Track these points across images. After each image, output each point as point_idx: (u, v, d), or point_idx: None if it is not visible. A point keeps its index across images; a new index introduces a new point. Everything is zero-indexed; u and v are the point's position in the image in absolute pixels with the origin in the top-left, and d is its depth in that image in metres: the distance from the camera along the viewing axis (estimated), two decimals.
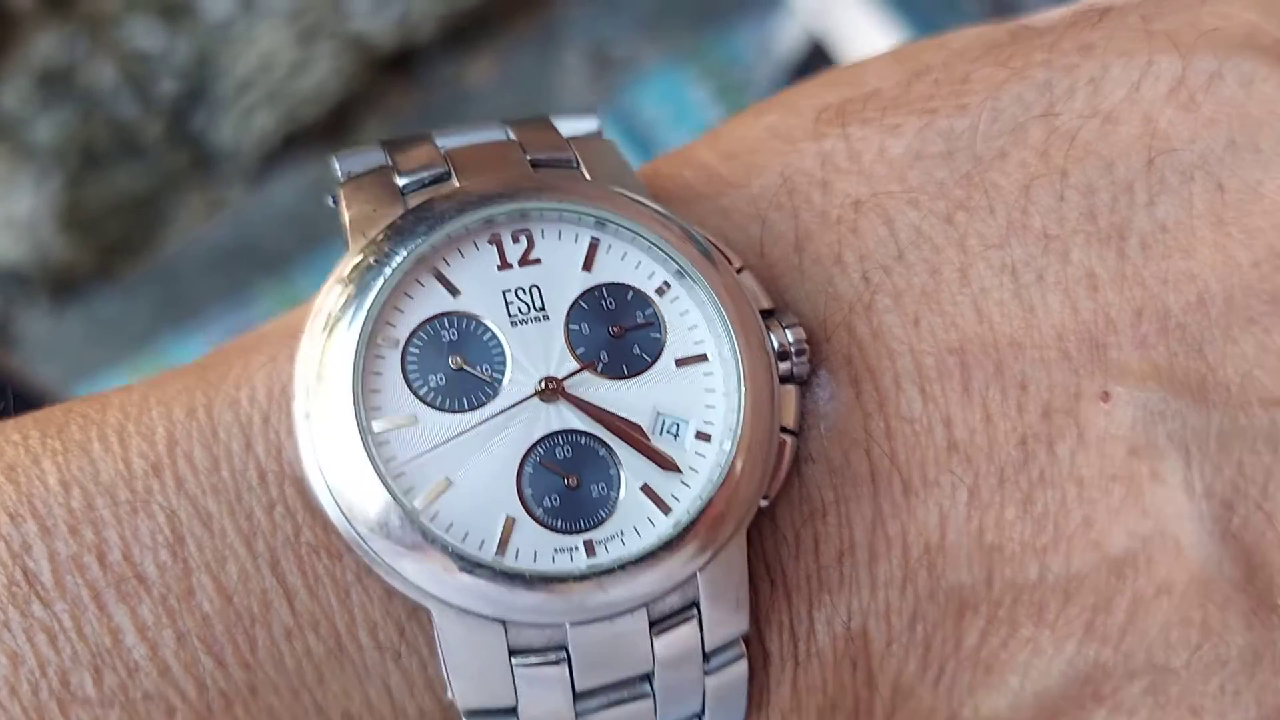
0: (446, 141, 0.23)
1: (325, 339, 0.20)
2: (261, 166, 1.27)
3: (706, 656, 0.21)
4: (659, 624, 0.21)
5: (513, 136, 0.23)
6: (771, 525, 0.22)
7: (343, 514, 0.20)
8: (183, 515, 0.20)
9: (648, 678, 0.21)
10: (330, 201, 0.22)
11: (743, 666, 0.22)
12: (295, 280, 1.17)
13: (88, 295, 1.25)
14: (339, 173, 0.22)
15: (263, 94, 1.25)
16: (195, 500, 0.20)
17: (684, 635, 0.21)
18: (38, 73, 1.15)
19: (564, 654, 0.20)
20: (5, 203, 1.22)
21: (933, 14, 1.13)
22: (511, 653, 0.20)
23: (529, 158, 0.23)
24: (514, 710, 0.20)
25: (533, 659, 0.20)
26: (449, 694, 0.20)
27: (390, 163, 0.22)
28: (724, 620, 0.21)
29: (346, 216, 0.22)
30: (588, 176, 0.23)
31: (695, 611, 0.21)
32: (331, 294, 0.21)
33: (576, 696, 0.21)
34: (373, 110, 1.24)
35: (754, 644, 0.22)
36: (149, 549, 0.20)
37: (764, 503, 0.22)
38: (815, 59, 1.15)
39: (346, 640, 0.20)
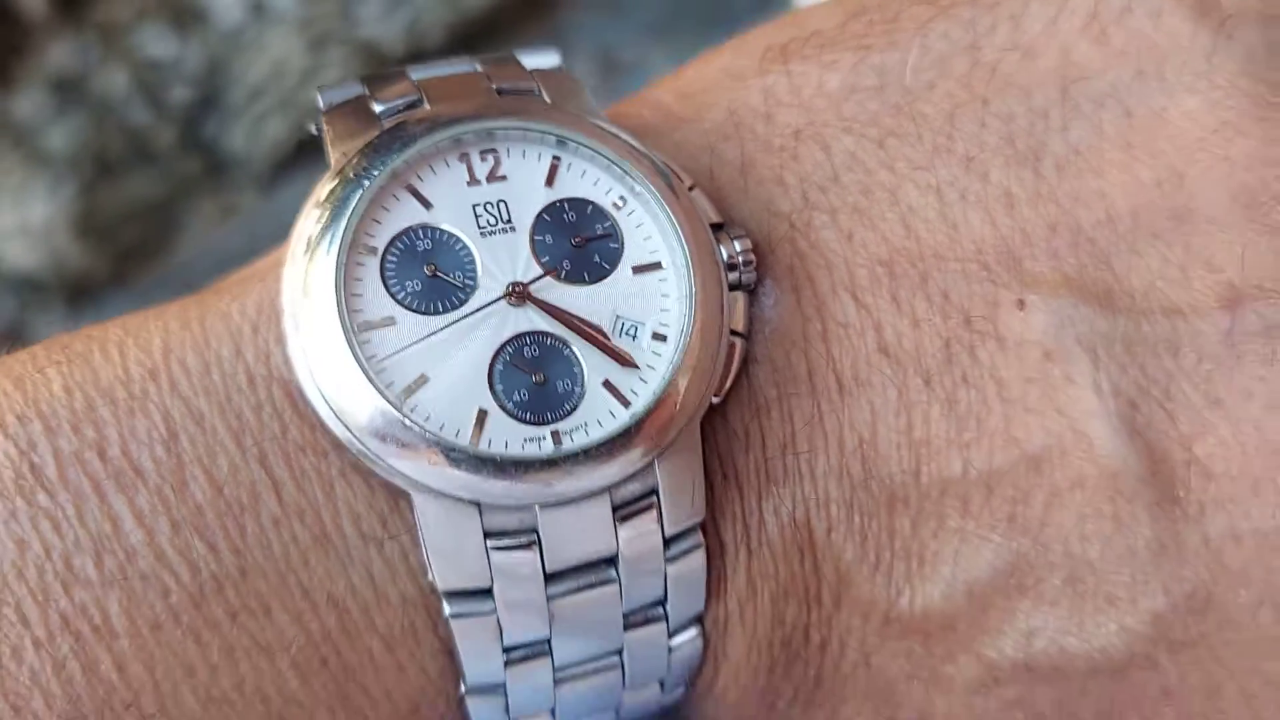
0: (420, 74, 0.25)
1: (308, 260, 0.22)
2: (274, 173, 1.29)
3: (666, 544, 0.23)
4: (621, 510, 0.22)
5: (480, 69, 0.25)
6: (723, 422, 0.24)
7: (330, 409, 0.21)
8: (176, 414, 0.22)
9: (613, 564, 0.22)
10: (313, 129, 0.24)
11: (700, 555, 0.23)
12: None
13: (102, 301, 1.27)
14: (321, 103, 0.24)
15: (274, 101, 1.27)
16: (188, 401, 0.22)
17: (645, 522, 0.22)
18: (51, 81, 1.18)
19: (535, 537, 0.22)
20: (20, 210, 1.25)
21: None
22: (486, 535, 0.22)
23: (495, 86, 0.24)
24: (489, 591, 0.22)
25: (506, 541, 0.22)
26: (429, 575, 0.22)
27: (368, 92, 0.24)
28: (681, 508, 0.23)
29: (329, 142, 0.23)
30: (549, 102, 0.24)
31: (655, 500, 0.22)
32: (310, 217, 0.23)
33: (547, 579, 0.22)
34: None
35: (710, 535, 0.23)
36: (145, 445, 0.21)
37: (715, 400, 0.23)
38: None
39: (331, 529, 0.22)
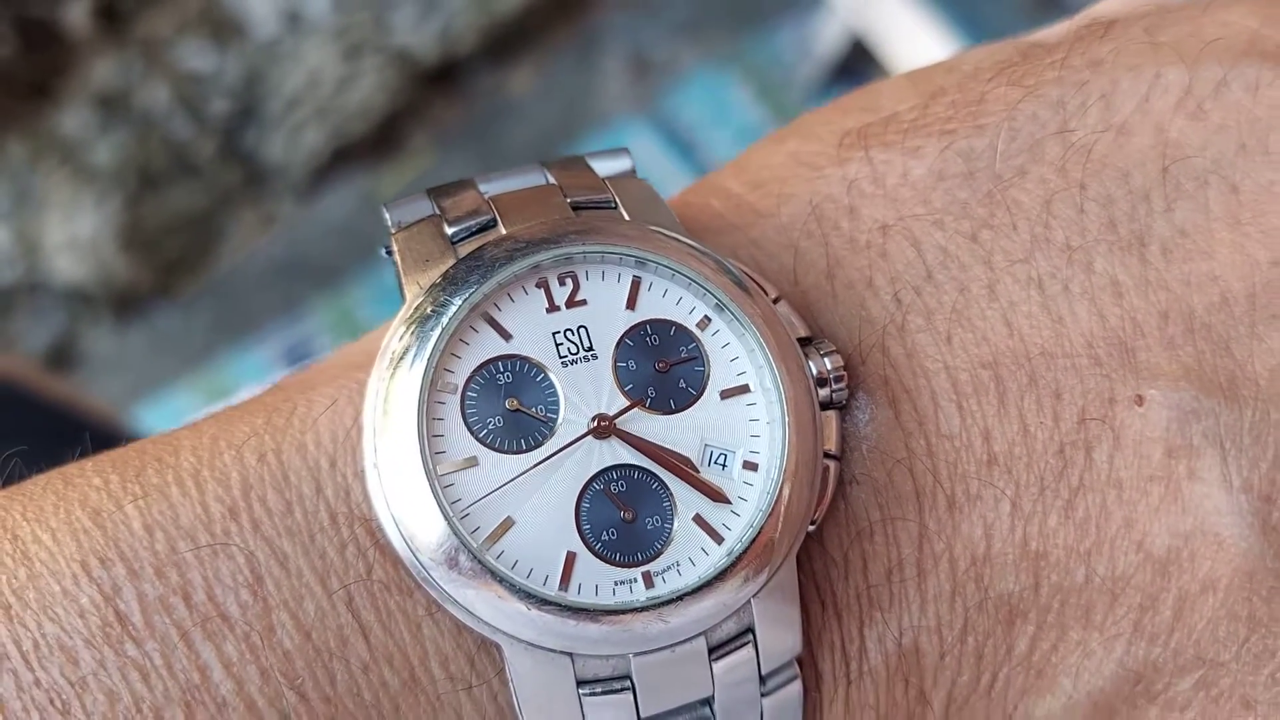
0: (490, 187, 0.24)
1: (390, 379, 0.21)
2: (312, 181, 1.30)
3: (763, 679, 0.22)
4: (717, 650, 0.22)
5: (552, 180, 0.24)
6: (820, 548, 0.23)
7: (413, 554, 0.21)
8: (260, 556, 0.21)
9: (708, 701, 0.22)
10: (384, 252, 0.23)
11: (797, 687, 0.22)
12: (348, 293, 1.20)
13: (149, 312, 1.29)
14: (390, 223, 0.23)
15: (311, 110, 1.27)
16: (271, 542, 0.21)
17: (741, 659, 0.22)
18: (95, 97, 1.19)
19: (628, 683, 0.21)
20: (69, 224, 1.26)
21: (975, 6, 1.12)
22: (579, 683, 0.21)
23: (569, 200, 0.23)
24: None
25: (599, 689, 0.21)
26: None
27: (438, 211, 0.23)
28: (778, 643, 0.22)
29: (400, 265, 0.23)
30: (626, 216, 0.24)
31: (751, 636, 0.22)
32: (396, 335, 0.22)
33: None
34: (418, 122, 1.26)
35: (807, 664, 0.23)
36: (230, 589, 0.21)
37: (811, 527, 0.22)
38: (857, 57, 1.15)
39: (420, 673, 0.21)
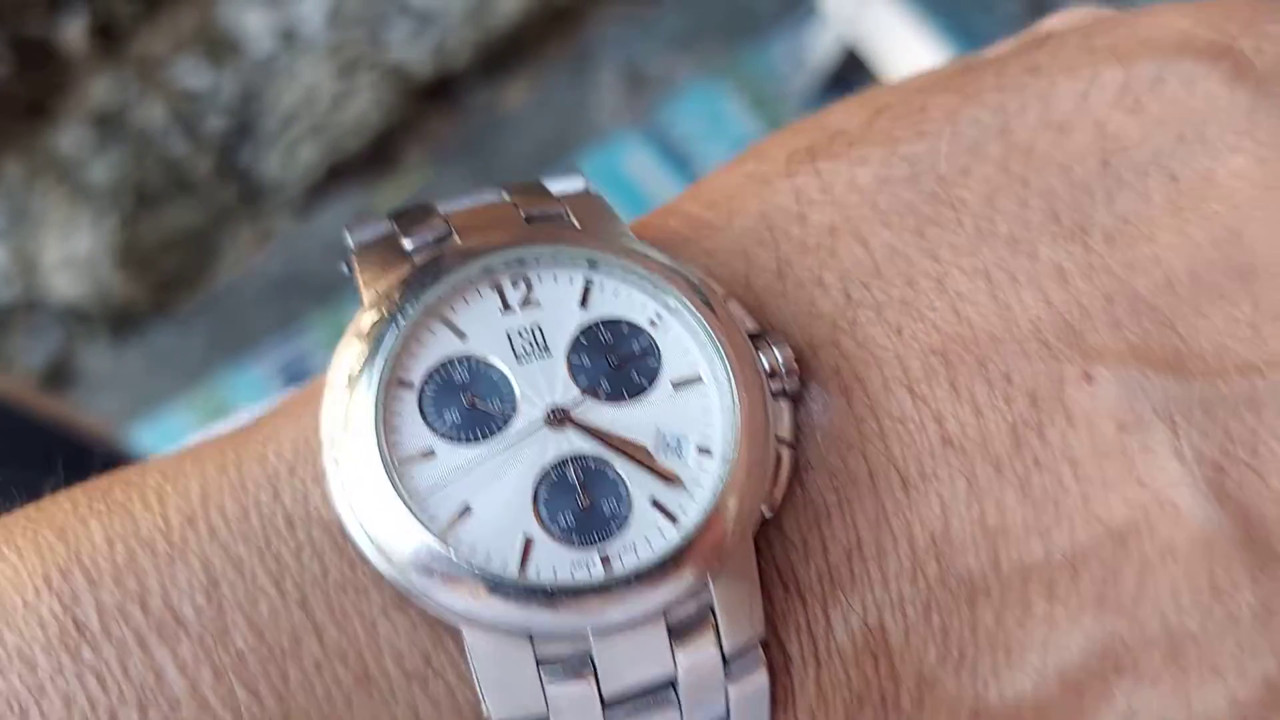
0: (448, 207, 0.25)
1: (349, 393, 0.22)
2: (308, 197, 1.31)
3: (727, 662, 0.22)
4: (677, 633, 0.22)
5: (508, 198, 0.25)
6: (779, 533, 0.23)
7: (373, 545, 0.21)
8: (216, 561, 0.22)
9: (672, 686, 0.22)
10: (344, 269, 0.24)
11: (763, 673, 0.22)
12: (345, 309, 1.20)
13: (146, 329, 1.30)
14: (351, 243, 0.24)
15: (306, 127, 1.28)
16: (227, 547, 0.22)
17: (702, 643, 0.22)
18: (92, 116, 1.20)
19: (590, 664, 0.21)
20: (65, 243, 1.27)
21: (968, 15, 1.13)
22: (540, 664, 0.21)
23: (523, 215, 0.24)
24: None
25: (560, 669, 0.21)
26: (484, 710, 0.21)
27: (397, 230, 0.24)
28: (740, 626, 0.22)
29: (360, 280, 0.23)
30: (578, 226, 0.24)
31: (711, 619, 0.22)
32: (351, 349, 0.22)
33: (605, 705, 0.22)
34: (413, 138, 1.27)
35: (774, 648, 0.23)
36: (186, 593, 0.21)
37: (769, 514, 0.23)
38: (850, 67, 1.16)
39: (374, 669, 0.22)
